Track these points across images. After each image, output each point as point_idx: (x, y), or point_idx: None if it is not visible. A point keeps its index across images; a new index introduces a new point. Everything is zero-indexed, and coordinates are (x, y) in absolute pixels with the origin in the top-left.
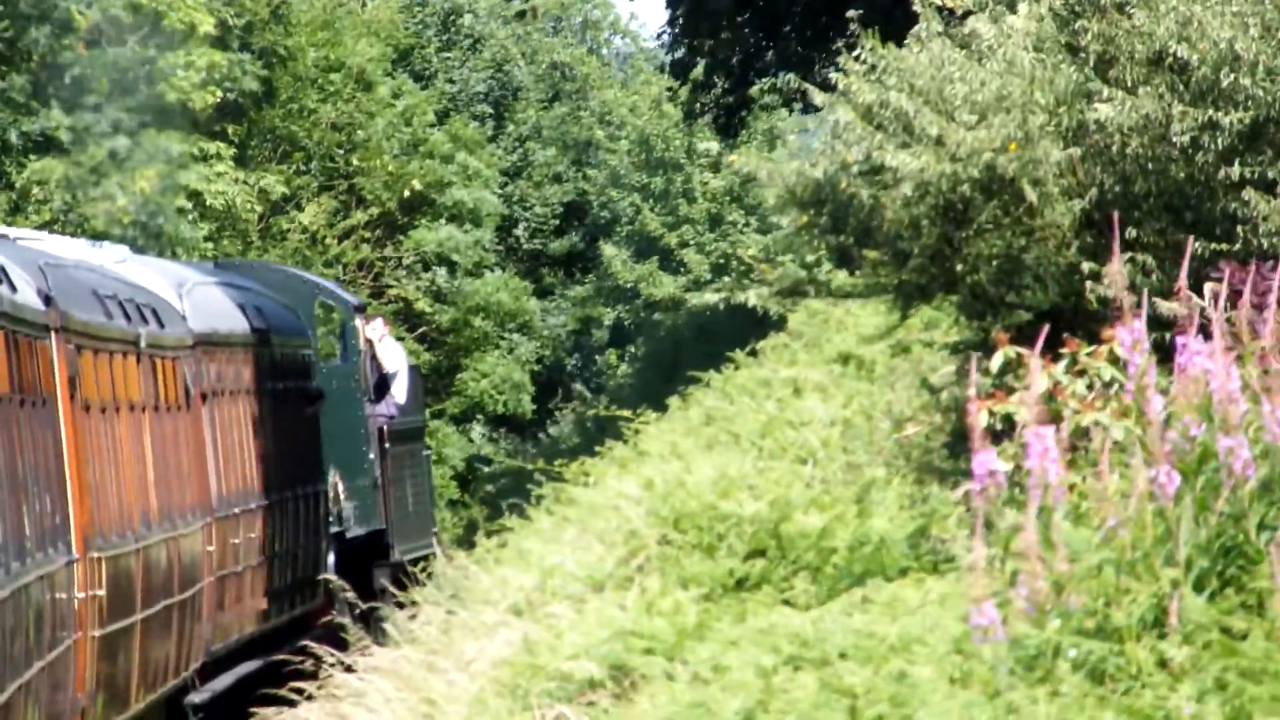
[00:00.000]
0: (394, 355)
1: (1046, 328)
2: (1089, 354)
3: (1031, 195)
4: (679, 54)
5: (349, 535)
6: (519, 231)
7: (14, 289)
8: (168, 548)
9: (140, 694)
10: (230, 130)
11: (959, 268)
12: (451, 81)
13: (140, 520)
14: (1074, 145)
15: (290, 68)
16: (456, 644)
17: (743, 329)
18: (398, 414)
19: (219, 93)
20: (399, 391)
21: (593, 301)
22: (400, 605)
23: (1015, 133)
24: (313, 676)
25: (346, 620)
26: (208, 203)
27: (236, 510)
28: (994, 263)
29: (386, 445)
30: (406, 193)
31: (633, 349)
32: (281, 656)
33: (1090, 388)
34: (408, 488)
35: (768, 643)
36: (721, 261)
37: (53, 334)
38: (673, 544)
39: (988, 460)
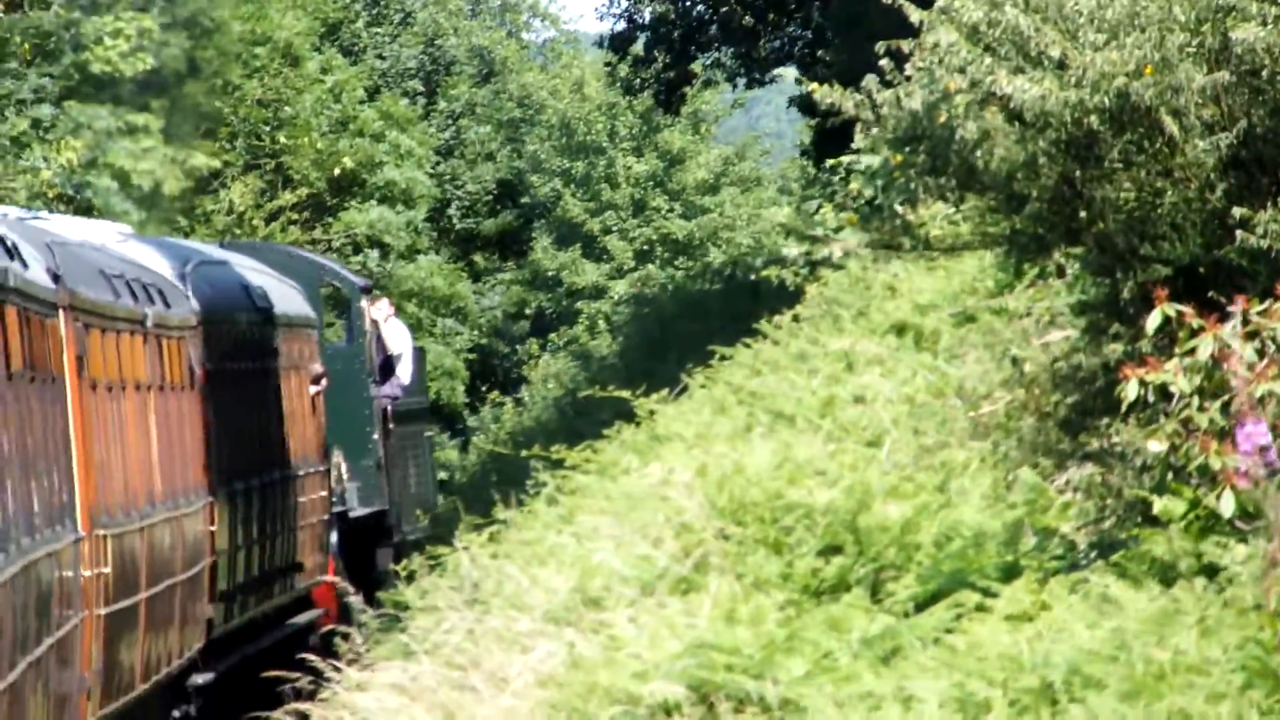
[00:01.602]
0: (399, 336)
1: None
2: (1261, 312)
3: (1173, 127)
4: (619, 28)
5: (352, 515)
6: (451, 211)
7: (25, 266)
8: (171, 527)
9: (144, 673)
10: (154, 105)
11: (1083, 215)
12: (382, 57)
13: (145, 499)
14: (1219, 69)
15: (214, 41)
16: (487, 657)
17: (737, 304)
18: (402, 395)
19: (149, 60)
20: (404, 372)
21: (525, 286)
22: (405, 607)
23: (1151, 54)
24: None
25: (352, 630)
26: (134, 181)
27: (243, 488)
28: (1125, 208)
29: (390, 426)
30: (337, 171)
31: (554, 338)
32: (278, 673)
33: (1261, 353)
34: (410, 468)
35: (868, 655)
36: (645, 248)
37: (61, 312)
38: (732, 539)
39: (1257, 434)
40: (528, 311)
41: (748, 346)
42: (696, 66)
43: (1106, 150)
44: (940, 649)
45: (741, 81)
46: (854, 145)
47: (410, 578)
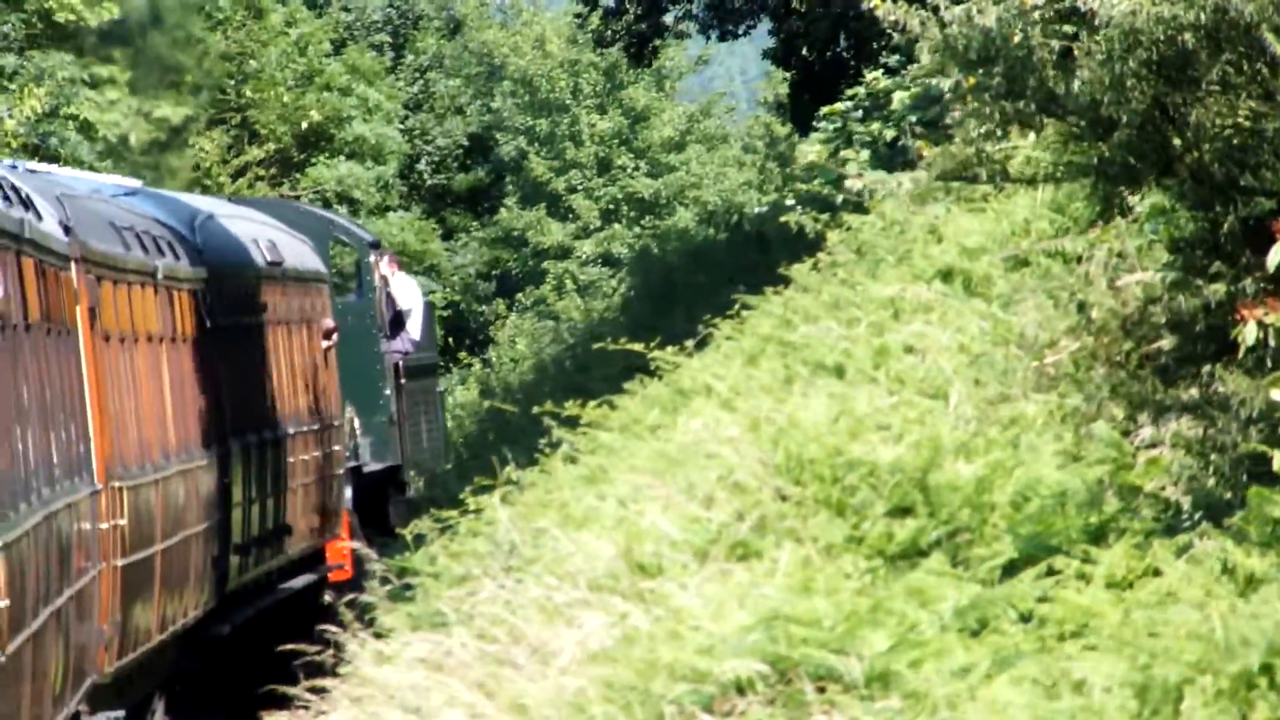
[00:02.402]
0: (408, 291)
1: None
2: None
3: (1275, 46)
4: None
5: (365, 470)
6: (421, 166)
7: (40, 218)
8: (185, 480)
9: (160, 625)
10: (118, 55)
11: (1176, 142)
12: (347, 9)
13: (159, 451)
14: None
15: None
16: (527, 629)
17: (743, 255)
18: (413, 350)
19: (114, 9)
20: (414, 327)
21: (493, 245)
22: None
23: None
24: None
25: (372, 599)
26: (99, 134)
27: (256, 441)
28: (1223, 135)
29: (402, 381)
30: (304, 124)
31: (521, 298)
32: (294, 646)
33: None
34: (422, 423)
35: (956, 626)
36: (611, 207)
37: (73, 264)
38: (791, 500)
39: None
40: (495, 271)
41: (778, 294)
42: (668, 18)
43: (1203, 71)
44: (1126, 626)
45: (714, 34)
46: (914, 69)
47: (419, 541)
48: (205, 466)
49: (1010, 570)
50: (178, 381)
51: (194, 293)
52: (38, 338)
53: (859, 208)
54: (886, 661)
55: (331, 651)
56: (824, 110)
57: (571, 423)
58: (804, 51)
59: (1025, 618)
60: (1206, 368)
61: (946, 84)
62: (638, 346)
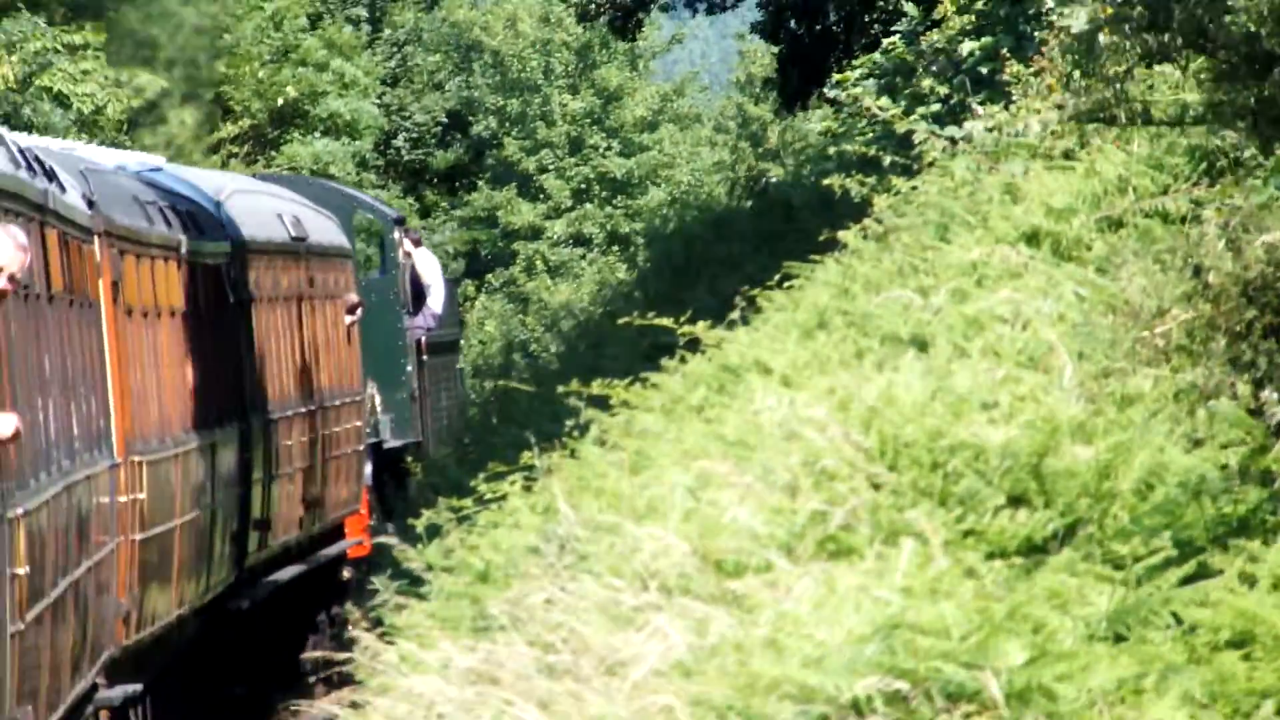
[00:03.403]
0: (430, 267)
1: None
2: None
3: None
4: None
5: (386, 446)
6: (399, 142)
7: (64, 190)
8: (205, 455)
9: (179, 599)
10: (88, 28)
11: None
12: None
13: (180, 426)
14: None
15: None
16: (590, 635)
17: (768, 225)
18: (435, 326)
19: None
20: (435, 303)
21: (467, 225)
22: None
23: None
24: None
25: (392, 598)
26: (74, 106)
27: (277, 417)
28: None
29: (424, 357)
30: (280, 101)
31: (491, 279)
32: (322, 654)
33: None
34: (444, 400)
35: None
36: (583, 187)
37: (96, 237)
38: (885, 488)
39: None
40: (468, 250)
41: (838, 263)
42: None
43: None
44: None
45: (702, 7)
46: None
47: (434, 533)
48: (225, 441)
49: (1161, 568)
50: (200, 356)
51: (217, 268)
52: (60, 309)
53: (906, 170)
54: (1027, 676)
55: (354, 655)
56: (836, 77)
57: (600, 403)
58: (793, 25)
59: (1177, 621)
60: None
61: (1079, 14)
62: (666, 321)
